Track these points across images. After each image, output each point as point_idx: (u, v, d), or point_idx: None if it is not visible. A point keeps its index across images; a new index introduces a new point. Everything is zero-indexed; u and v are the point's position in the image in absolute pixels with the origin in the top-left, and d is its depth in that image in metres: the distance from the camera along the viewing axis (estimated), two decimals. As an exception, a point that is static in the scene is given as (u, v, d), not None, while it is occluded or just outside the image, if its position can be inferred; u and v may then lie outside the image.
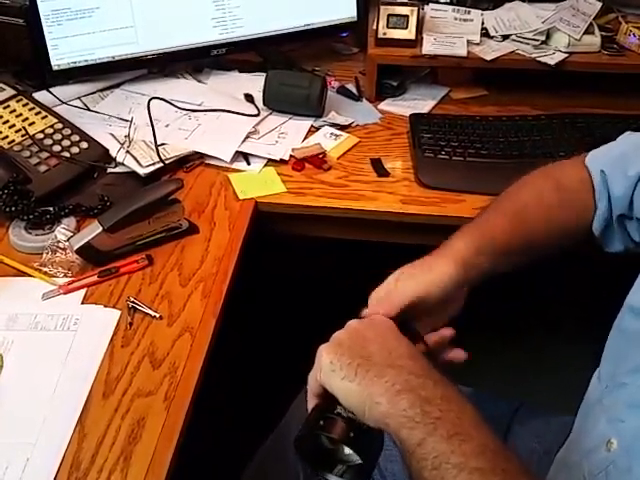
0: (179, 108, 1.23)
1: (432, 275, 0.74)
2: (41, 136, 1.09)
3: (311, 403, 0.66)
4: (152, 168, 1.09)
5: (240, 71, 1.38)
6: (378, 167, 1.14)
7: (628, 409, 0.64)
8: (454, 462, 0.53)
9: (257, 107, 1.25)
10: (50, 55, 1.21)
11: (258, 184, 1.11)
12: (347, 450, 0.62)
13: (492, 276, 0.79)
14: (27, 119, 1.11)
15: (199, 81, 1.34)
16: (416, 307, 0.72)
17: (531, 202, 0.83)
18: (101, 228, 0.91)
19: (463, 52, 1.25)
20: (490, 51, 1.26)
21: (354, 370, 0.60)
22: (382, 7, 1.27)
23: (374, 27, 1.28)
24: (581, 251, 0.88)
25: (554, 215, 0.82)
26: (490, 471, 0.52)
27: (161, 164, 1.10)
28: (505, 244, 0.78)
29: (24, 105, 1.14)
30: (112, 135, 1.15)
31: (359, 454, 0.61)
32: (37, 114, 1.13)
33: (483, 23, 1.31)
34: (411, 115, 1.24)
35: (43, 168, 1.05)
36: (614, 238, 0.83)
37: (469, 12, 1.33)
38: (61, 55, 1.21)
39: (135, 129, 1.16)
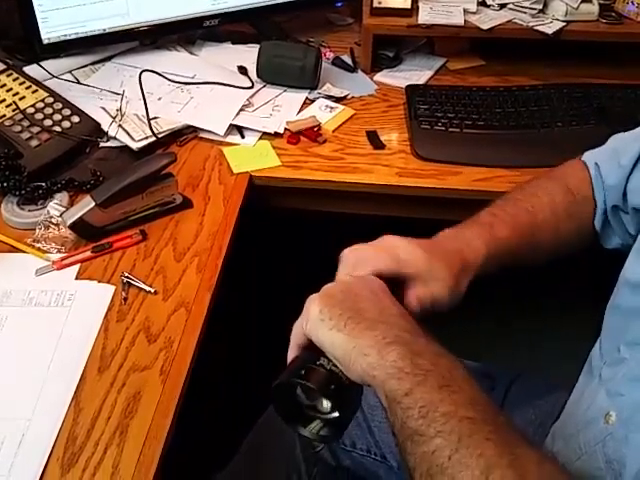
0: (171, 81, 1.21)
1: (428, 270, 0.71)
2: (32, 110, 1.08)
3: (292, 354, 0.66)
4: (145, 142, 1.08)
5: (233, 43, 1.36)
6: (374, 139, 1.13)
7: (628, 383, 0.64)
8: (443, 411, 0.52)
9: (251, 79, 1.23)
10: (40, 28, 1.18)
11: (253, 158, 1.10)
12: (325, 404, 0.62)
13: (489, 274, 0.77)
14: (18, 93, 1.10)
15: (191, 53, 1.32)
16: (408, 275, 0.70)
17: (544, 209, 0.81)
18: (94, 203, 0.91)
19: (460, 21, 1.23)
20: (487, 20, 1.24)
21: (344, 321, 0.59)
22: (377, -24, 1.25)
23: (369, -4, 1.26)
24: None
25: (563, 224, 0.81)
26: (481, 420, 0.51)
27: (154, 138, 1.09)
28: (511, 252, 0.77)
29: (14, 79, 1.12)
30: (104, 109, 1.14)
31: (337, 408, 0.60)
32: (28, 88, 1.11)
33: (480, -9, 1.29)
34: (407, 86, 1.23)
35: (34, 143, 1.03)
36: (611, 233, 0.83)
37: (466, -20, 1.31)
38: (51, 28, 1.19)
39: (127, 102, 1.15)
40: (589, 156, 0.86)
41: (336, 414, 0.61)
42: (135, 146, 1.07)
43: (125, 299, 0.86)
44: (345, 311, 0.60)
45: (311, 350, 0.62)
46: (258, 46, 1.23)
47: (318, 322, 0.60)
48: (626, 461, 0.60)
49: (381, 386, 0.55)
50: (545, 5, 1.26)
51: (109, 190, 0.92)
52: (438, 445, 0.50)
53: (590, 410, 0.69)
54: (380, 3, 1.25)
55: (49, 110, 1.08)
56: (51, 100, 1.10)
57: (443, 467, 0.50)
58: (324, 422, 0.63)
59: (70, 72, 1.24)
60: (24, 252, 0.91)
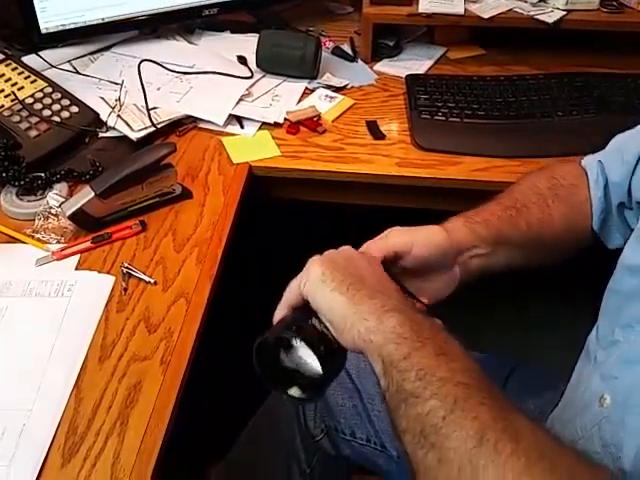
0: (170, 71, 1.21)
1: (420, 232, 0.75)
2: (31, 101, 1.07)
3: (280, 313, 0.67)
4: (144, 132, 1.07)
5: (232, 32, 1.35)
6: (374, 129, 1.13)
7: (621, 365, 0.64)
8: (440, 375, 0.53)
9: (250, 69, 1.23)
10: (39, 18, 1.18)
11: (252, 148, 1.09)
12: (309, 365, 0.62)
13: (494, 269, 0.79)
14: (16, 83, 1.09)
15: (190, 42, 1.32)
16: (403, 260, 0.72)
17: (526, 192, 0.83)
18: (93, 193, 0.90)
19: (460, 10, 1.22)
20: (487, 9, 1.23)
21: (346, 286, 0.60)
22: (377, -36, 1.24)
23: (369, -15, 1.26)
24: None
25: (549, 206, 0.82)
26: (475, 387, 0.52)
27: (153, 128, 1.08)
28: (499, 230, 0.78)
29: (13, 69, 1.11)
30: (103, 99, 1.13)
31: (323, 370, 0.61)
32: (26, 78, 1.11)
33: (480, -20, 1.28)
34: (407, 76, 1.22)
35: (33, 133, 1.03)
36: (613, 231, 0.83)
37: (466, -31, 1.30)
38: (50, 18, 1.19)
39: (126, 92, 1.14)
40: (589, 158, 0.86)
41: (318, 375, 0.61)
42: (134, 136, 1.07)
43: (125, 289, 0.86)
44: (347, 277, 0.61)
45: (303, 310, 0.63)
46: (257, 35, 1.23)
47: (319, 283, 0.61)
48: (623, 444, 0.60)
49: (378, 351, 0.56)
50: (546, -6, 1.25)
51: (108, 180, 0.92)
52: (433, 406, 0.51)
53: (586, 394, 0.69)
54: (380, -8, 1.24)
55: (48, 100, 1.08)
56: (50, 90, 1.09)
57: (437, 427, 0.50)
58: (303, 386, 0.64)
59: (69, 62, 1.23)
60: (24, 243, 0.91)
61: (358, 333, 0.58)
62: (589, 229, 0.83)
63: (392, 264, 0.72)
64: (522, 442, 0.49)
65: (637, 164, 0.78)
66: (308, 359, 0.63)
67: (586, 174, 0.84)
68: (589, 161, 0.86)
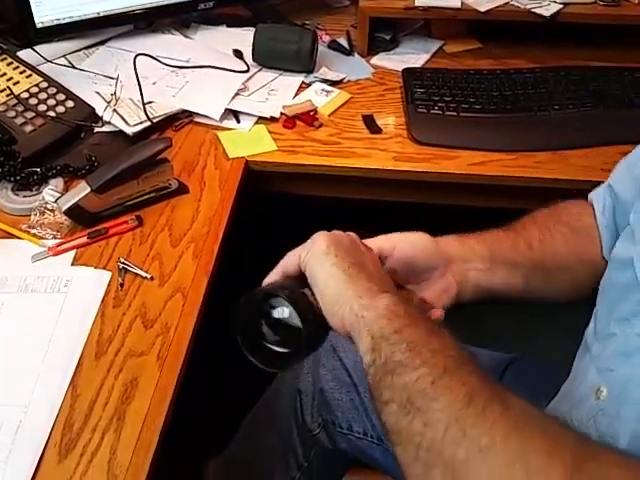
0: (166, 65, 1.20)
1: (404, 234, 0.75)
2: (26, 95, 1.07)
3: (272, 278, 0.68)
4: (140, 127, 1.07)
5: (228, 26, 1.34)
6: (370, 124, 1.13)
7: (617, 358, 0.64)
8: (431, 347, 0.53)
9: (246, 63, 1.23)
10: (34, 12, 1.17)
11: (248, 142, 1.09)
12: (292, 327, 0.63)
13: (496, 288, 0.78)
14: (12, 78, 1.09)
15: (186, 36, 1.31)
16: (387, 261, 0.73)
17: (524, 220, 0.83)
18: (89, 189, 0.90)
19: (457, 3, 1.22)
20: (484, 2, 1.23)
21: (347, 264, 0.62)
22: (373, -43, 1.23)
23: (365, -22, 1.25)
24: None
25: (549, 229, 0.81)
26: (466, 362, 0.53)
27: (149, 123, 1.08)
28: (495, 247, 0.78)
29: (8, 64, 1.11)
30: (98, 93, 1.13)
31: (305, 339, 0.62)
32: (22, 73, 1.10)
33: (477, -27, 1.28)
34: (404, 70, 1.22)
35: (29, 128, 1.03)
36: None
37: (463, -38, 1.30)
38: (45, 12, 1.18)
39: (121, 87, 1.14)
40: (597, 189, 0.85)
41: (298, 342, 0.62)
42: (130, 131, 1.06)
43: (121, 285, 0.86)
44: (349, 257, 0.63)
45: (296, 280, 0.64)
46: (253, 29, 1.22)
47: (322, 255, 0.62)
48: (619, 436, 0.60)
49: (368, 326, 0.56)
50: (543, -13, 1.25)
51: (104, 175, 0.92)
52: (422, 373, 0.51)
53: (582, 387, 0.69)
54: (376, -15, 1.24)
55: (43, 95, 1.07)
56: (45, 85, 1.09)
57: (425, 392, 0.51)
58: (279, 354, 0.64)
59: (64, 56, 1.22)
60: (19, 238, 0.91)
61: (350, 309, 0.58)
62: (599, 257, 0.80)
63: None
64: (511, 408, 0.49)
65: None
66: (292, 321, 0.63)
67: (592, 205, 0.83)
68: (595, 192, 0.84)
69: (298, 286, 0.63)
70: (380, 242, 0.73)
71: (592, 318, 0.74)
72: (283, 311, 0.64)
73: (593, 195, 0.84)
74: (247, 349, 0.65)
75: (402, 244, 0.74)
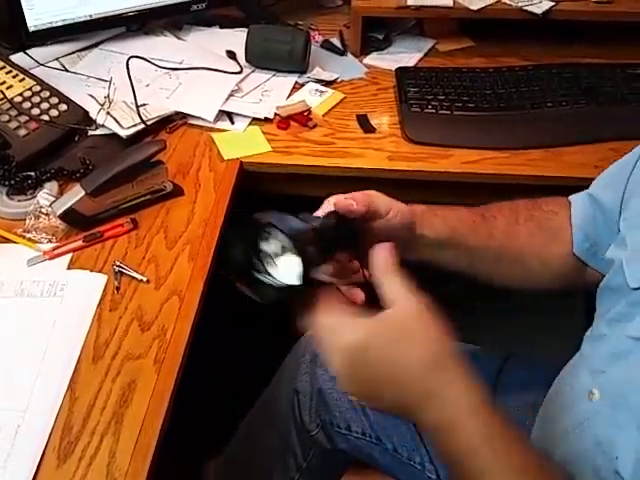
0: (159, 67, 1.20)
1: (398, 203, 0.74)
2: (20, 99, 1.06)
3: None
4: (133, 130, 1.07)
5: (221, 27, 1.34)
6: (364, 123, 1.13)
7: (608, 359, 0.65)
8: None
9: (239, 64, 1.23)
10: (26, 16, 1.17)
11: (243, 144, 1.09)
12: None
13: (442, 266, 0.79)
14: (4, 82, 1.09)
15: (179, 38, 1.31)
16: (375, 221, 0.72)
17: (502, 207, 0.83)
18: (84, 192, 0.90)
19: (449, 2, 1.22)
20: (476, 0, 1.23)
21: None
22: (365, -43, 1.24)
23: (357, -22, 1.25)
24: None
25: (518, 223, 0.81)
26: None
27: (143, 125, 1.08)
28: (454, 229, 0.78)
29: (1, 68, 1.11)
30: (92, 96, 1.13)
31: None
32: (15, 77, 1.10)
33: (469, -29, 1.28)
34: (397, 69, 1.22)
35: (23, 132, 1.03)
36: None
37: (454, -40, 1.30)
38: (37, 16, 1.18)
39: (115, 89, 1.14)
40: (577, 194, 0.85)
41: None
42: (124, 134, 1.06)
43: (117, 288, 0.86)
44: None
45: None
46: (246, 30, 1.22)
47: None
48: (617, 443, 0.60)
49: None
50: (534, -16, 1.25)
51: (99, 179, 0.91)
52: None
53: (574, 389, 0.70)
54: (369, -15, 1.24)
55: (37, 99, 1.07)
56: (38, 88, 1.09)
57: None
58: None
59: (57, 60, 1.22)
60: (15, 243, 0.91)
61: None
62: (561, 257, 0.81)
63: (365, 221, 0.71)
64: None
65: (626, 186, 0.77)
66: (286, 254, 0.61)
67: (570, 204, 0.84)
68: (576, 195, 0.85)
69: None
70: (380, 203, 0.72)
71: (590, 320, 0.75)
72: (276, 245, 0.61)
73: (572, 196, 0.85)
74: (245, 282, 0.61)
75: (396, 212, 0.73)
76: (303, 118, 1.13)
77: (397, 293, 0.58)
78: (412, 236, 0.75)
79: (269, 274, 0.61)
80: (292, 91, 1.20)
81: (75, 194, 0.91)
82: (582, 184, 1.03)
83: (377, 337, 0.56)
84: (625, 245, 0.70)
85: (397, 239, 0.68)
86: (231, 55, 1.25)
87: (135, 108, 1.10)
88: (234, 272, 0.62)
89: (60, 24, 1.20)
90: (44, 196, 0.94)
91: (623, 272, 0.67)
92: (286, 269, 0.61)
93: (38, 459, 0.67)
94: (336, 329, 0.57)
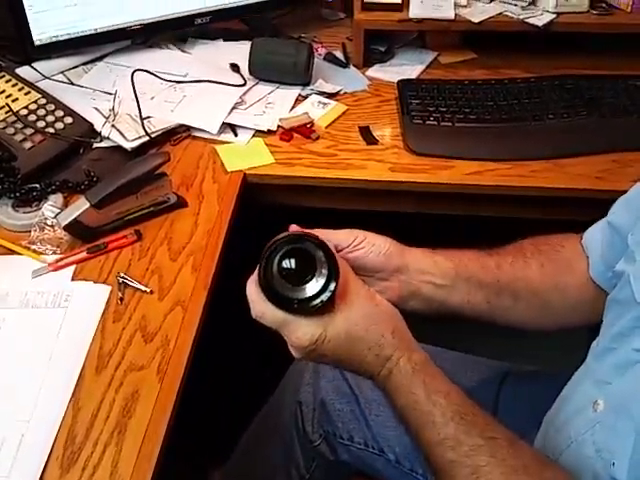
0: (164, 80, 1.21)
1: (374, 236, 0.75)
2: (25, 112, 1.08)
3: None
4: (138, 142, 1.08)
5: (225, 40, 1.36)
6: (367, 135, 1.14)
7: (614, 371, 0.65)
8: None
9: (243, 77, 1.24)
10: (32, 30, 1.18)
11: (246, 156, 1.10)
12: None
13: (454, 307, 0.78)
14: (10, 95, 1.10)
15: (183, 51, 1.32)
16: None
17: (506, 247, 0.82)
18: (88, 204, 0.91)
19: (450, 15, 1.23)
20: (477, 13, 1.24)
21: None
22: (367, -29, 1.25)
23: (360, -9, 1.26)
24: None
25: (526, 256, 0.80)
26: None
27: (147, 138, 1.09)
28: (461, 264, 0.77)
29: (7, 81, 1.12)
30: (97, 109, 1.14)
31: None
32: (20, 90, 1.11)
33: (470, -15, 1.29)
34: (399, 81, 1.23)
35: (28, 145, 1.04)
36: None
37: (456, -26, 1.31)
38: (43, 29, 1.19)
39: (119, 102, 1.15)
40: (592, 227, 0.83)
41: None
42: (128, 146, 1.07)
43: (121, 299, 0.86)
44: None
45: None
46: (250, 43, 1.23)
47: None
48: (616, 450, 0.61)
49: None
50: (535, -3, 1.26)
51: (103, 190, 0.92)
52: None
53: (580, 399, 0.70)
54: (371, -2, 1.25)
55: (42, 112, 1.08)
56: (44, 101, 1.10)
57: None
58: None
59: (62, 73, 1.23)
60: (20, 254, 0.92)
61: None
62: (581, 285, 0.80)
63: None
64: None
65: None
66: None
67: (579, 237, 0.82)
68: (594, 226, 0.82)
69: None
70: (341, 236, 0.73)
71: (596, 332, 0.75)
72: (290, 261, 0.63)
73: (590, 229, 0.83)
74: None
75: (366, 246, 0.73)
76: (306, 130, 1.13)
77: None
78: (398, 267, 0.74)
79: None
80: (295, 103, 1.21)
81: (80, 206, 0.91)
82: (584, 195, 1.04)
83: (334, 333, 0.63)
84: (633, 260, 0.70)
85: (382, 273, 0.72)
86: (235, 68, 1.26)
87: (140, 121, 1.11)
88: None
89: (65, 38, 1.21)
90: (49, 208, 0.95)
91: (630, 286, 0.67)
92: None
93: (41, 469, 0.68)
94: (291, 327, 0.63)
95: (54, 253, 0.92)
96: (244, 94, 1.20)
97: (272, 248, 0.62)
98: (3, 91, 1.10)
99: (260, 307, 0.63)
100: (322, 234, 0.66)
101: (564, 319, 0.82)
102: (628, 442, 0.59)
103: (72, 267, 0.90)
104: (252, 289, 0.64)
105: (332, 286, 0.61)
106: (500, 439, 0.59)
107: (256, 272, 0.63)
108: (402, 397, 0.62)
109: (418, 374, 0.63)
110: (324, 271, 0.62)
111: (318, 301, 0.61)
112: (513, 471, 0.57)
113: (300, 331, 0.62)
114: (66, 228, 0.91)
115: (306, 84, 1.24)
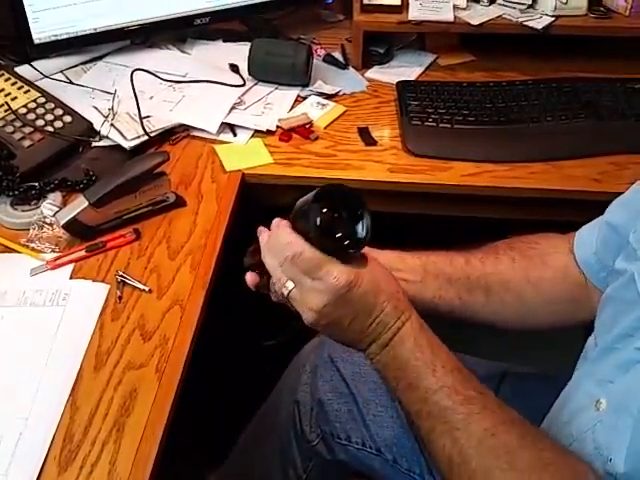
0: (163, 79, 1.22)
1: None
2: (24, 111, 1.08)
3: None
4: (137, 141, 1.08)
5: (224, 40, 1.36)
6: (365, 136, 1.14)
7: (617, 370, 0.65)
8: None
9: (242, 77, 1.24)
10: (31, 29, 1.19)
11: (245, 155, 1.10)
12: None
13: (427, 303, 0.79)
14: (10, 94, 1.10)
15: (183, 51, 1.32)
16: None
17: (477, 249, 0.83)
18: (87, 203, 0.91)
19: (449, 17, 1.24)
20: (476, 16, 1.24)
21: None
22: (367, -27, 1.25)
23: (359, -7, 1.27)
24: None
25: (497, 253, 0.82)
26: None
27: (146, 137, 1.09)
28: (429, 260, 0.80)
29: (6, 80, 1.12)
30: (96, 108, 1.14)
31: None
32: (20, 89, 1.11)
33: (469, -13, 1.30)
34: (398, 82, 1.23)
35: (27, 143, 1.04)
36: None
37: (455, -24, 1.31)
38: (42, 28, 1.19)
39: (119, 102, 1.15)
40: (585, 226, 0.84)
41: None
42: (127, 145, 1.07)
43: (120, 298, 0.86)
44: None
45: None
46: (249, 44, 1.24)
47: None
48: (614, 446, 0.61)
49: None
50: (534, 0, 1.26)
51: (102, 189, 0.92)
52: None
53: (581, 398, 0.70)
54: (370, 0, 1.25)
55: (41, 110, 1.08)
56: (43, 100, 1.10)
57: None
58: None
59: (62, 72, 1.24)
60: (18, 252, 0.92)
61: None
62: (559, 280, 0.80)
63: None
64: None
65: None
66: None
67: (573, 239, 0.83)
68: (588, 225, 0.83)
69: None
70: None
71: (594, 330, 0.75)
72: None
73: (579, 230, 0.84)
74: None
75: None
76: (305, 131, 1.14)
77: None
78: None
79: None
80: (294, 104, 1.21)
81: (78, 205, 0.92)
82: (581, 197, 1.04)
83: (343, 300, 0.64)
84: (636, 258, 0.70)
85: None
86: (234, 68, 1.26)
87: (139, 120, 1.11)
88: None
89: (65, 37, 1.22)
90: (48, 206, 0.95)
91: (635, 285, 0.67)
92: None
93: (39, 467, 0.68)
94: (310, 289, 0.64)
95: (53, 251, 0.92)
96: (243, 94, 1.20)
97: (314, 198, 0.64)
98: (2, 90, 1.10)
99: (298, 246, 0.64)
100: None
101: (542, 316, 0.83)
102: (626, 436, 0.60)
103: (71, 265, 0.90)
104: (285, 231, 0.65)
105: (366, 226, 0.64)
106: (490, 395, 0.64)
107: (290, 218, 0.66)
108: (408, 348, 0.64)
109: (424, 331, 0.66)
110: (364, 219, 0.64)
111: (361, 242, 0.63)
112: (502, 421, 0.61)
113: (337, 271, 0.63)
114: (65, 226, 0.91)
115: (305, 85, 1.24)
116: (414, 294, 0.78)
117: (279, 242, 0.66)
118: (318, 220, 0.62)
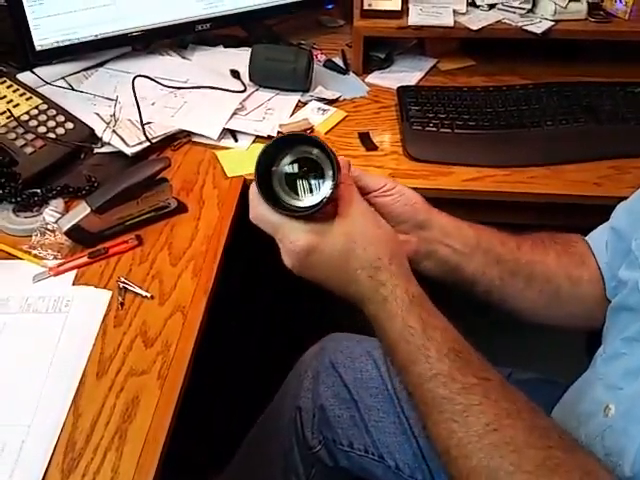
0: (164, 86, 1.22)
1: (405, 188, 0.75)
2: (26, 118, 1.08)
3: None
4: (139, 147, 1.08)
5: (225, 46, 1.36)
6: (366, 141, 1.14)
7: (626, 376, 0.65)
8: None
9: (243, 83, 1.24)
10: (33, 35, 1.19)
11: (246, 161, 1.10)
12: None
13: (466, 275, 0.77)
14: (11, 101, 1.10)
15: (184, 57, 1.33)
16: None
17: (524, 235, 0.82)
18: (89, 209, 0.91)
19: (449, 22, 1.24)
20: (476, 20, 1.25)
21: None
22: (367, -22, 1.25)
23: (359, -2, 1.27)
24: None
25: (543, 242, 0.80)
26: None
27: (148, 143, 1.09)
28: (484, 236, 0.77)
29: (8, 87, 1.12)
30: (97, 115, 1.14)
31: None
32: (21, 95, 1.12)
33: (469, -8, 1.30)
34: (399, 88, 1.23)
35: (29, 150, 1.04)
36: None
37: (455, -19, 1.32)
38: (44, 35, 1.20)
39: (120, 108, 1.15)
40: (595, 231, 0.84)
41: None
42: (129, 151, 1.08)
43: (122, 304, 0.86)
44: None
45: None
46: (250, 49, 1.24)
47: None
48: (624, 452, 0.61)
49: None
50: (534, 5, 1.27)
51: (104, 196, 0.92)
52: None
53: (590, 404, 0.70)
54: (370, 5, 1.25)
55: (43, 117, 1.09)
56: (45, 107, 1.10)
57: None
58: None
59: (63, 78, 1.24)
60: (21, 259, 0.92)
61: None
62: (595, 281, 0.79)
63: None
64: None
65: None
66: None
67: (588, 243, 0.82)
68: (593, 233, 0.83)
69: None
70: (372, 179, 0.72)
71: (602, 338, 0.75)
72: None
73: (590, 236, 0.84)
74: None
75: (395, 194, 0.73)
76: (306, 136, 1.14)
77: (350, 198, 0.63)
78: (422, 223, 0.74)
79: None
80: (295, 109, 1.21)
81: (81, 211, 0.92)
82: (582, 202, 1.04)
83: (328, 242, 0.62)
84: (639, 266, 0.70)
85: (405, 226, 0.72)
86: (235, 74, 1.27)
87: (140, 126, 1.11)
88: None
89: (66, 43, 1.22)
90: (50, 213, 0.95)
91: (639, 292, 0.67)
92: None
93: (42, 475, 0.68)
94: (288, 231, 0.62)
95: (55, 258, 0.92)
96: (244, 100, 1.21)
97: (270, 149, 0.61)
98: (4, 96, 1.10)
99: (258, 209, 0.62)
100: (354, 171, 0.67)
101: (570, 314, 0.81)
102: (635, 442, 0.60)
103: (73, 272, 0.90)
104: (253, 191, 0.63)
105: (329, 187, 0.59)
106: (494, 381, 0.59)
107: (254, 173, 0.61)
108: (396, 328, 0.60)
109: (415, 307, 0.61)
110: (326, 175, 0.61)
111: (317, 201, 0.60)
112: (507, 414, 0.56)
113: (294, 235, 0.61)
114: (67, 233, 0.92)
115: (306, 90, 1.24)
116: (456, 264, 0.75)
117: (249, 204, 0.64)
118: (261, 179, 0.60)
